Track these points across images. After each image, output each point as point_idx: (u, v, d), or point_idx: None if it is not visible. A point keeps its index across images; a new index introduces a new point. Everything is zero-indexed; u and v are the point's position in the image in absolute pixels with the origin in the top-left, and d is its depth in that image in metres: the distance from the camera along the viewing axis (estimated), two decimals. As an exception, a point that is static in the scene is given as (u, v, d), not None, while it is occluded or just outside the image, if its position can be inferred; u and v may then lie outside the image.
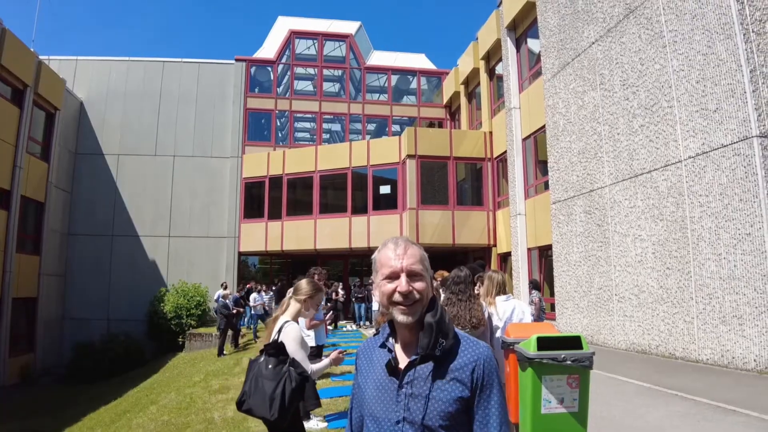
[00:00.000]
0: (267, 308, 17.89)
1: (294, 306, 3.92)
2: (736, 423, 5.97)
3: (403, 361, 1.60)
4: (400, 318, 1.56)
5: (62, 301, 21.67)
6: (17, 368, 17.93)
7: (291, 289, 4.20)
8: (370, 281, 19.68)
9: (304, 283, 3.96)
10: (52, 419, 13.07)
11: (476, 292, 4.93)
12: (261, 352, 3.55)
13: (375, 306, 16.33)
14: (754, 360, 8.72)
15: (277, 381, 3.31)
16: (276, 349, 3.49)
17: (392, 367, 1.58)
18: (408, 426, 1.52)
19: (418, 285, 1.55)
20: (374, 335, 1.85)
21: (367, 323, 18.21)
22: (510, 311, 5.02)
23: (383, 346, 1.67)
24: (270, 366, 3.41)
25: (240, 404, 3.49)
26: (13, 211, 17.82)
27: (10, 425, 13.18)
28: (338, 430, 6.26)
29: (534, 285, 12.53)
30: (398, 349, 1.64)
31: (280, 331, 3.70)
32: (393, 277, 1.56)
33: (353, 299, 19.84)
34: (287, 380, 3.32)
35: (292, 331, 3.69)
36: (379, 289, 1.60)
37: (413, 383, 1.54)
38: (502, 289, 5.14)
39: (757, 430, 5.67)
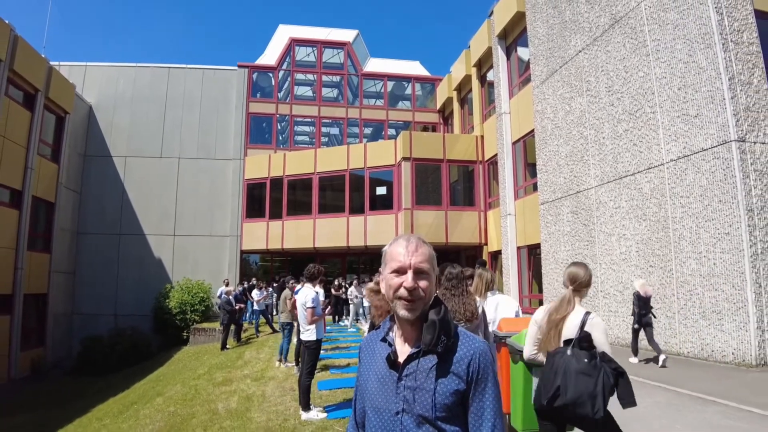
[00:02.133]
0: (267, 304, 17.88)
1: (577, 296, 3.44)
2: (716, 412, 6.01)
3: (402, 354, 1.59)
4: (402, 313, 1.54)
5: (72, 297, 21.58)
6: (28, 361, 17.85)
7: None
8: (360, 279, 19.67)
9: (582, 272, 3.45)
10: (62, 411, 13.01)
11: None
12: (565, 344, 3.25)
13: (365, 303, 16.36)
14: (732, 353, 8.77)
15: (596, 377, 3.02)
16: (588, 343, 3.19)
17: (392, 361, 1.58)
18: (407, 417, 1.51)
19: (423, 283, 1.54)
20: (372, 330, 1.85)
21: (362, 320, 18.19)
22: (494, 306, 5.08)
23: (384, 339, 1.66)
24: (585, 360, 3.10)
25: (552, 399, 3.10)
26: (24, 210, 17.73)
27: (22, 416, 13.12)
28: (337, 421, 6.25)
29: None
30: (398, 343, 1.62)
31: (583, 324, 3.25)
32: (400, 271, 1.55)
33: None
34: (605, 375, 3.03)
35: (601, 323, 3.28)
36: (386, 281, 1.59)
37: (412, 376, 1.53)
38: (490, 286, 5.20)
39: (734, 420, 5.71)
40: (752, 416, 5.83)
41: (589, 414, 3.02)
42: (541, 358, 3.45)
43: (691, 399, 6.66)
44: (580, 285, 3.44)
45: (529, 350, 3.59)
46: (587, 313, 3.33)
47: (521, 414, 3.87)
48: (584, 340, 3.24)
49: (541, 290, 15.48)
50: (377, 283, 5.65)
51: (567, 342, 3.28)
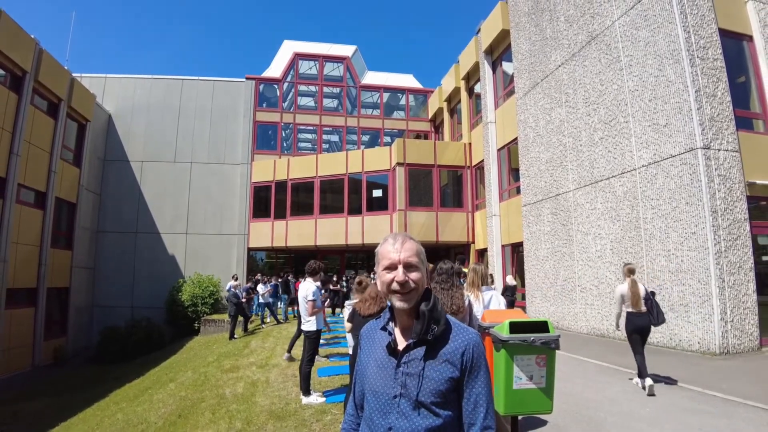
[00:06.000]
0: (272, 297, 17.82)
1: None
2: (682, 397, 6.02)
3: (401, 343, 1.58)
4: (398, 304, 1.55)
5: (91, 291, 21.46)
6: (51, 350, 17.75)
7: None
8: (352, 275, 19.58)
9: (635, 265, 7.30)
10: (82, 395, 12.94)
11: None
12: (649, 296, 6.61)
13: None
14: (698, 343, 8.79)
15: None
16: (653, 294, 6.72)
17: (391, 348, 1.57)
18: (404, 401, 1.51)
19: (414, 275, 1.54)
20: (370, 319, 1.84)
21: None
22: (488, 299, 5.06)
23: (384, 329, 1.65)
24: (658, 302, 6.77)
25: (662, 320, 6.47)
26: (48, 210, 17.64)
27: (45, 401, 13.05)
28: (335, 405, 6.23)
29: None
30: (397, 332, 1.62)
31: (645, 288, 6.73)
32: (391, 267, 1.55)
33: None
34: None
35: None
36: (380, 278, 1.58)
37: (410, 363, 1.53)
38: (485, 280, 5.18)
39: (699, 403, 5.72)
40: (715, 400, 5.85)
41: (665, 321, 6.57)
42: (629, 309, 6.59)
43: (659, 384, 6.66)
44: (634, 273, 6.72)
45: (618, 309, 6.87)
46: (643, 285, 6.70)
47: (503, 398, 3.86)
48: (654, 293, 6.73)
49: (523, 284, 15.48)
50: (360, 283, 5.73)
51: (649, 295, 6.60)
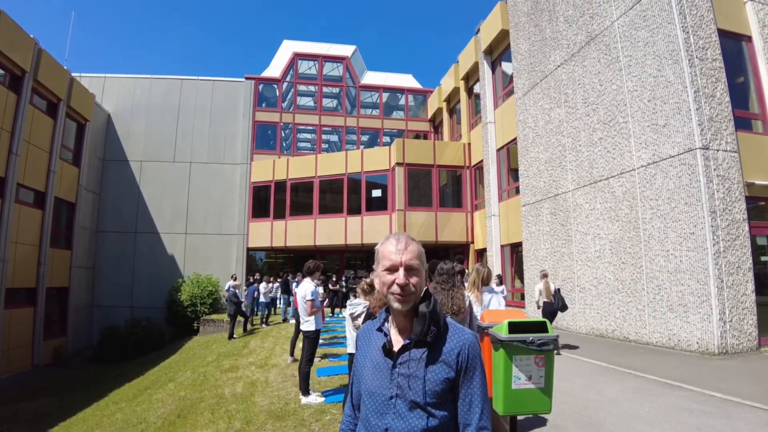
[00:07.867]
0: (272, 297, 17.83)
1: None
2: (681, 397, 6.03)
3: (397, 344, 1.57)
4: (395, 305, 1.54)
5: (91, 290, 21.45)
6: (51, 350, 17.73)
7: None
8: (351, 275, 19.55)
9: (548, 271, 11.55)
10: (82, 395, 12.93)
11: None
12: (555, 291, 9.94)
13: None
14: (697, 343, 8.80)
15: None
16: (559, 290, 10.02)
17: (387, 349, 1.56)
18: (400, 402, 1.50)
19: (414, 279, 1.53)
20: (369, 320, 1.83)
21: None
22: (488, 300, 5.06)
23: (380, 329, 1.64)
24: (561, 295, 9.90)
25: (564, 306, 9.81)
26: (47, 210, 17.63)
27: (44, 400, 13.03)
28: (334, 405, 6.23)
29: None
30: (393, 333, 1.61)
31: (555, 286, 10.19)
32: (392, 269, 1.53)
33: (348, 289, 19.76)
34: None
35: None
36: (379, 278, 1.57)
37: (406, 364, 1.52)
38: (486, 281, 5.18)
39: (698, 403, 5.73)
40: (714, 400, 5.85)
41: (567, 308, 10.24)
42: (545, 299, 9.83)
43: (658, 384, 6.67)
44: (547, 276, 10.07)
45: (537, 298, 10.01)
46: (553, 284, 10.20)
47: (502, 397, 3.86)
48: (559, 289, 10.06)
49: (523, 284, 15.49)
50: (371, 285, 5.48)
51: (556, 291, 9.89)
